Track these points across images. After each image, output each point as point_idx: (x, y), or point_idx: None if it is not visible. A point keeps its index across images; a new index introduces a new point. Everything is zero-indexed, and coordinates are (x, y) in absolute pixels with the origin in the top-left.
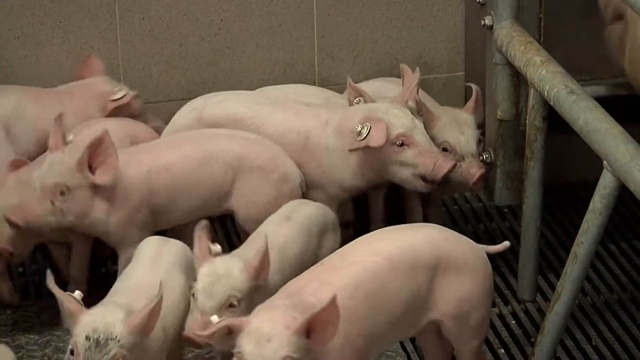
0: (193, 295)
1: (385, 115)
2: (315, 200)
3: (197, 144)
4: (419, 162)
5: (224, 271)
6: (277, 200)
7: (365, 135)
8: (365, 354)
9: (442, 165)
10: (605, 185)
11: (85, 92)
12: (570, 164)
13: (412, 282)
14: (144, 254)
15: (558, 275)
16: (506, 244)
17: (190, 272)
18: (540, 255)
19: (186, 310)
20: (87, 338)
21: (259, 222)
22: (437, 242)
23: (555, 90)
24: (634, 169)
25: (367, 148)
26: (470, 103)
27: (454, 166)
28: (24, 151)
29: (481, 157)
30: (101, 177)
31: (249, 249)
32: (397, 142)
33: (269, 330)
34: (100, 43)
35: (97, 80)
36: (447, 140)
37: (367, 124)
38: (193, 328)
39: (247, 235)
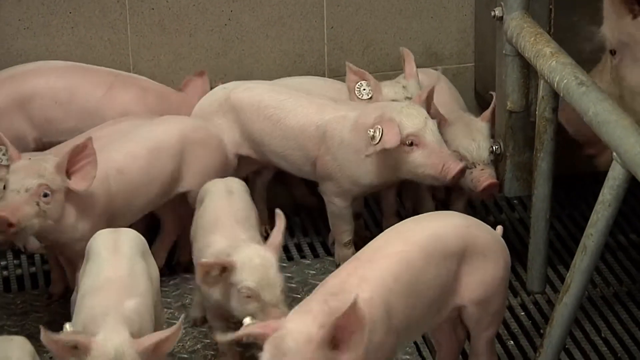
0: (248, 297)
1: (398, 115)
2: (328, 192)
3: (138, 141)
4: (427, 162)
5: (261, 260)
6: (223, 165)
7: (378, 139)
8: (394, 349)
9: (450, 167)
10: (614, 177)
11: (175, 98)
12: (580, 155)
13: (443, 269)
14: (102, 248)
15: (567, 267)
16: (499, 228)
17: (145, 257)
18: (549, 247)
19: (154, 296)
20: None
21: None
22: (463, 229)
23: (565, 81)
24: None
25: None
26: (487, 112)
27: (463, 169)
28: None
29: (491, 149)
30: (77, 183)
31: (237, 232)
32: (407, 142)
33: (289, 344)
34: (110, 33)
35: (191, 98)
36: (457, 148)
37: (379, 126)
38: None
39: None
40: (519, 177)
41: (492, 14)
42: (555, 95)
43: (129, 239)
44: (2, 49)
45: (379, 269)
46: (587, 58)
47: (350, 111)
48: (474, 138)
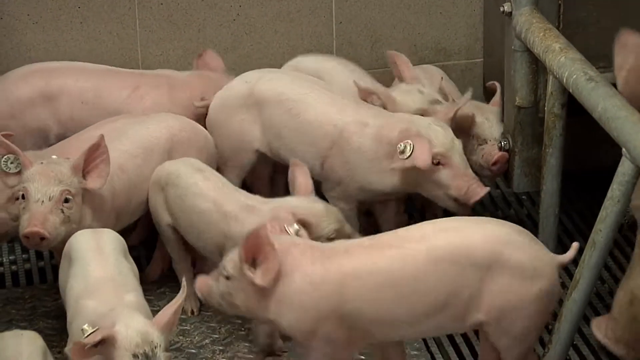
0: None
1: (425, 131)
2: (331, 195)
3: (133, 139)
4: (452, 184)
5: (324, 206)
6: (208, 162)
7: (409, 154)
8: (357, 334)
9: (475, 191)
10: (624, 172)
11: (201, 82)
12: (589, 151)
13: (458, 278)
14: (85, 249)
15: (576, 263)
16: (575, 245)
17: (126, 256)
18: (558, 243)
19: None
20: (135, 356)
21: None
22: (497, 242)
23: (574, 77)
24: None
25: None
26: (496, 98)
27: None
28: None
29: (499, 144)
30: (93, 182)
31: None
32: (434, 161)
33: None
34: (119, 28)
35: (217, 75)
36: (470, 126)
37: (409, 141)
38: None
39: None
40: (528, 172)
41: (501, 9)
42: (564, 91)
43: (111, 239)
44: (11, 44)
45: (366, 257)
46: (596, 54)
47: (373, 118)
48: (487, 117)
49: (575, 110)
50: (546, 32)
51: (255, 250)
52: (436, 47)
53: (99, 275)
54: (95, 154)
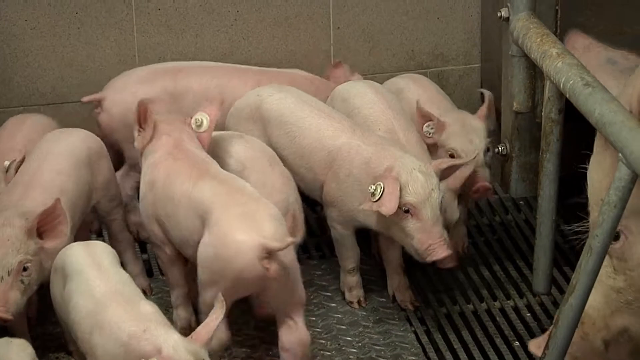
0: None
1: (406, 175)
2: (330, 218)
3: (57, 156)
4: (416, 236)
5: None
6: (105, 168)
7: (378, 197)
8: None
9: (435, 250)
10: (620, 177)
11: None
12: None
13: (188, 221)
14: (83, 264)
15: (573, 268)
16: (290, 239)
17: (119, 265)
18: (555, 248)
19: None
20: None
21: (116, 198)
22: (209, 204)
23: (571, 82)
24: None
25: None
26: (483, 109)
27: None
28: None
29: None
30: (51, 242)
31: None
32: (404, 208)
33: None
34: (117, 34)
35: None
36: (454, 147)
37: (381, 184)
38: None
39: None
40: (525, 177)
41: (499, 14)
42: (561, 96)
43: (106, 253)
44: (9, 49)
45: (175, 169)
46: None
47: (368, 146)
48: (471, 140)
49: (572, 116)
50: (543, 37)
51: (142, 118)
52: (433, 53)
53: (104, 290)
54: (49, 217)
